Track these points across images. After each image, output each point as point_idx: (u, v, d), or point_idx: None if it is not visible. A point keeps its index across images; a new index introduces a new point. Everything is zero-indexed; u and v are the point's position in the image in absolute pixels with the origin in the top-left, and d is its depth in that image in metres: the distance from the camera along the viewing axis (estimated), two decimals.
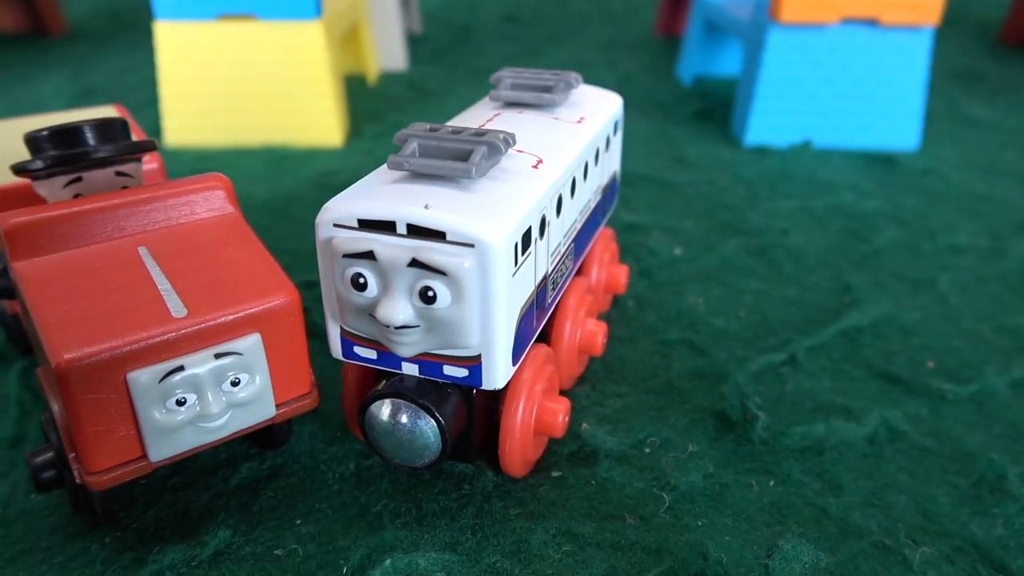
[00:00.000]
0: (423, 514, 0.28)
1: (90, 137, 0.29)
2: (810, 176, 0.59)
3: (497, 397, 0.29)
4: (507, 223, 0.24)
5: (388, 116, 0.74)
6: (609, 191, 0.39)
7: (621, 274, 0.39)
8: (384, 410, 0.26)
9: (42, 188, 0.30)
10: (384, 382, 0.27)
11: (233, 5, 0.63)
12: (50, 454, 0.26)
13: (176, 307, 0.25)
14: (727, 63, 0.88)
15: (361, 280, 0.25)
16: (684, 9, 1.08)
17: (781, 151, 0.64)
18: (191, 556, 0.26)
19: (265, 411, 0.26)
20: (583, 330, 0.33)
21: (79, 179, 0.29)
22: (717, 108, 0.76)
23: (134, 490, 0.29)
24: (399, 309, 0.24)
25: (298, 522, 0.28)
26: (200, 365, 0.24)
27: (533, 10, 1.31)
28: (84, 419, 0.23)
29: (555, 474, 0.30)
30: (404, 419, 0.26)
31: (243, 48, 0.64)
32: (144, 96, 0.80)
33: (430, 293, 0.24)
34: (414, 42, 1.05)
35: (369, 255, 0.24)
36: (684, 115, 0.74)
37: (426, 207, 0.24)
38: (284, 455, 0.31)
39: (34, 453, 0.26)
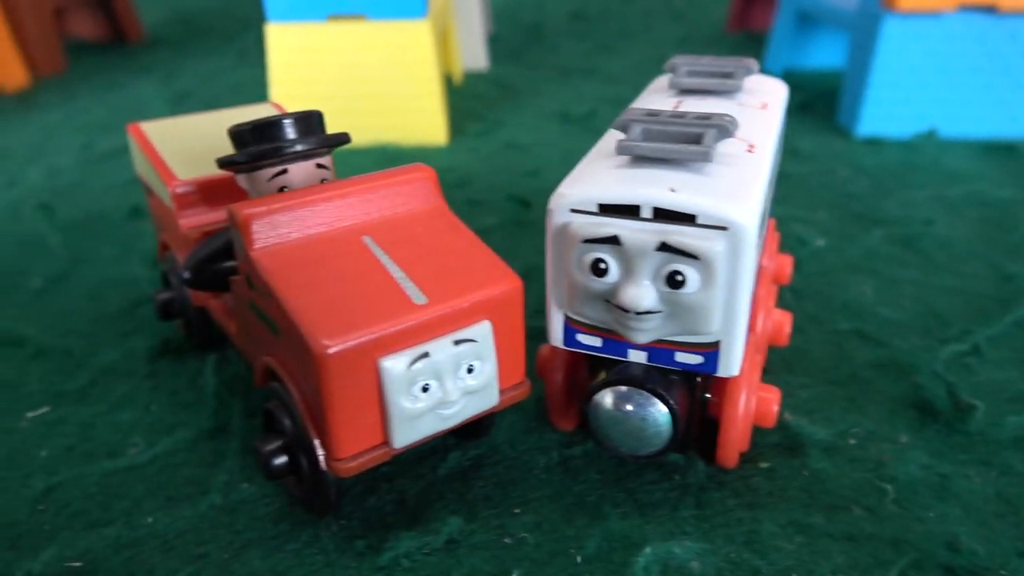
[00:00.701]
0: (641, 504, 0.28)
1: (294, 130, 0.30)
2: (935, 166, 0.58)
3: (707, 386, 0.28)
4: (753, 205, 0.24)
5: (485, 114, 0.74)
6: (777, 180, 0.38)
7: (787, 264, 0.38)
8: (615, 398, 0.26)
9: (245, 181, 0.30)
10: (604, 371, 0.27)
11: (343, 5, 0.63)
12: (281, 441, 0.26)
13: (415, 294, 0.25)
14: (816, 55, 0.87)
15: (602, 265, 0.24)
16: (759, 3, 1.07)
17: (901, 141, 0.63)
18: (424, 544, 0.26)
19: (491, 399, 0.26)
20: (772, 320, 0.33)
21: (284, 171, 0.30)
22: (816, 100, 0.75)
23: (347, 480, 0.29)
24: (644, 294, 0.24)
25: (516, 511, 0.27)
26: (442, 352, 0.24)
27: (600, 8, 1.31)
28: (338, 405, 0.23)
29: (763, 465, 0.29)
30: (636, 407, 0.26)
31: (352, 48, 0.64)
32: (234, 100, 0.81)
33: (678, 277, 0.24)
34: (490, 42, 1.05)
35: (612, 240, 0.24)
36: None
37: (672, 190, 0.24)
38: (484, 446, 0.30)
39: (263, 441, 0.26)
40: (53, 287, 0.44)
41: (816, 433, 0.30)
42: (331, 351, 0.23)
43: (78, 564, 0.26)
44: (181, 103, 0.81)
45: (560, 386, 0.29)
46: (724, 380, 0.28)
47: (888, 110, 0.64)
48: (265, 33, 0.65)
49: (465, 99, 0.80)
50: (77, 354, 0.37)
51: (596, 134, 0.68)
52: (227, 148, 0.36)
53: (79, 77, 0.93)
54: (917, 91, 0.63)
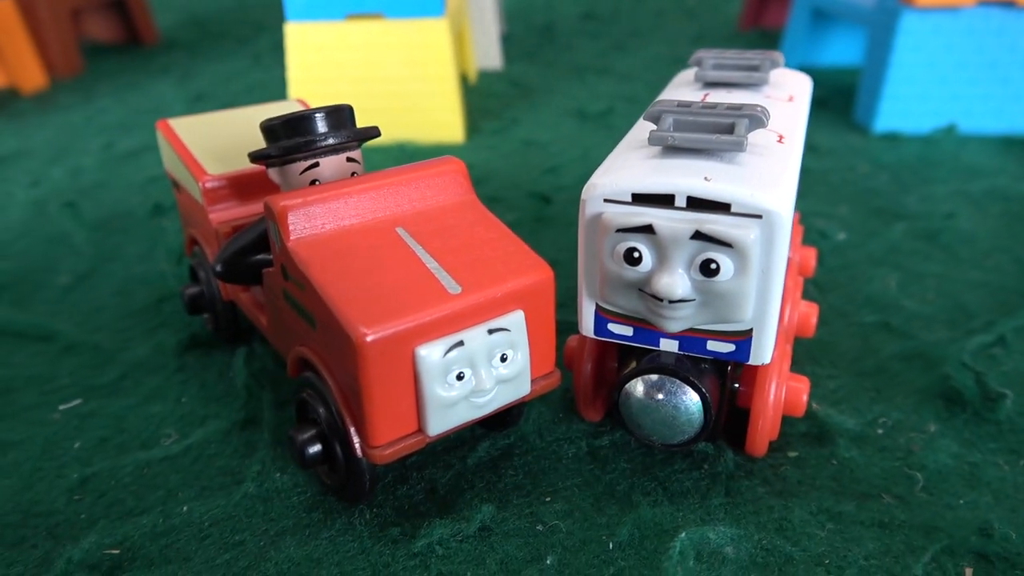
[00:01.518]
0: (671, 493, 0.28)
1: (326, 124, 0.30)
2: (955, 161, 0.58)
3: (736, 376, 0.29)
4: (787, 194, 0.24)
5: (501, 113, 0.74)
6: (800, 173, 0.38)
7: (811, 257, 0.38)
8: (647, 386, 0.26)
9: (277, 174, 0.31)
10: (635, 361, 0.27)
11: (362, 5, 0.64)
12: (315, 430, 0.26)
13: (450, 284, 0.25)
14: (831, 52, 0.86)
15: (635, 254, 0.25)
16: (773, 0, 1.07)
17: (920, 136, 0.62)
18: (457, 531, 0.26)
19: (523, 388, 0.27)
20: (798, 311, 0.33)
21: (316, 164, 0.30)
22: (832, 96, 0.75)
23: (379, 468, 0.29)
24: (678, 282, 0.24)
25: (547, 499, 0.28)
26: (476, 340, 0.25)
27: (610, 7, 1.31)
28: (375, 393, 0.24)
29: (792, 454, 0.29)
30: (668, 395, 0.26)
31: (370, 47, 0.65)
32: (251, 100, 0.82)
33: (712, 266, 0.24)
34: (503, 42, 1.05)
35: (647, 229, 0.24)
36: None
37: (706, 179, 0.24)
38: (513, 436, 0.31)
39: (298, 430, 0.26)
40: (80, 284, 0.44)
41: (844, 423, 0.31)
42: (369, 339, 0.23)
43: (116, 552, 0.26)
44: (198, 104, 0.82)
45: (588, 376, 0.30)
46: (755, 369, 0.28)
47: (906, 106, 0.64)
48: (284, 32, 0.65)
49: (481, 98, 0.80)
50: (107, 349, 0.38)
51: (613, 131, 0.68)
52: (255, 143, 0.36)
53: (96, 78, 0.94)
54: (935, 86, 0.63)
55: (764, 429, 0.28)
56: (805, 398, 0.28)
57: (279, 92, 0.83)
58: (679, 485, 0.28)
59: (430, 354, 0.24)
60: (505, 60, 0.96)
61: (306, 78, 0.66)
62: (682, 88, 0.34)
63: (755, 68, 0.34)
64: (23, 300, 0.43)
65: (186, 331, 0.38)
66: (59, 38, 0.94)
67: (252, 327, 0.38)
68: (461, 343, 0.24)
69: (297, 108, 0.40)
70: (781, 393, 0.28)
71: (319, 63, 0.65)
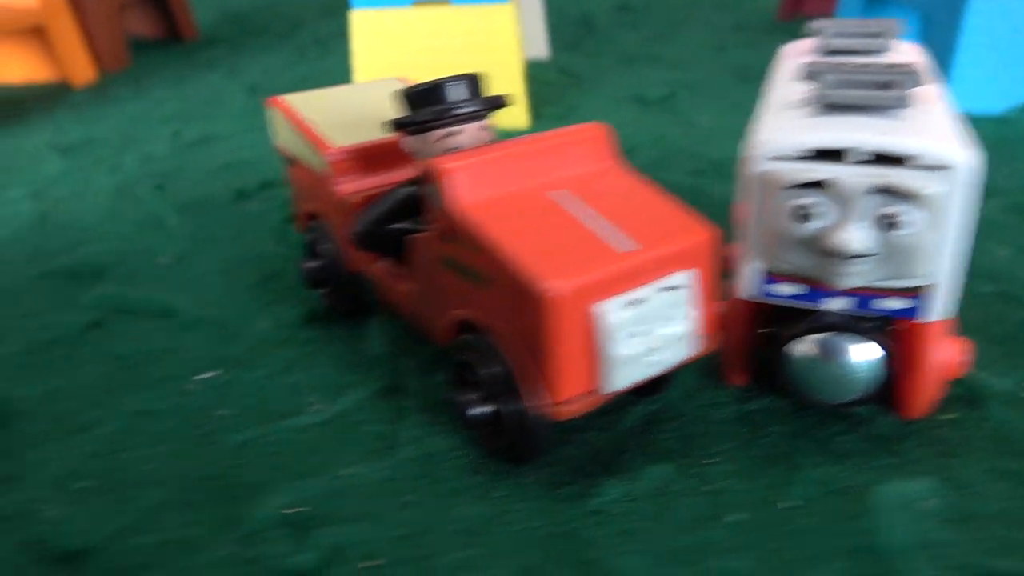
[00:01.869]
0: (834, 454, 0.28)
1: (465, 91, 0.30)
2: None
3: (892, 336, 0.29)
4: (968, 146, 0.24)
5: (559, 99, 0.75)
6: None
7: None
8: (822, 345, 0.26)
9: (414, 142, 0.31)
10: (797, 321, 0.27)
11: None
12: (478, 392, 0.26)
13: (624, 242, 0.25)
14: None
15: (806, 211, 0.25)
16: None
17: (994, 117, 0.62)
18: (630, 490, 0.26)
19: (693, 346, 0.27)
20: None
21: (454, 132, 0.30)
22: None
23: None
24: (858, 237, 0.24)
25: (705, 462, 0.28)
26: (652, 298, 0.25)
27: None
28: (560, 348, 0.24)
29: (947, 416, 0.29)
30: (841, 353, 0.26)
31: (436, 33, 0.65)
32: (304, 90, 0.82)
33: (896, 219, 0.24)
34: None
35: (820, 185, 0.24)
36: None
37: (883, 134, 0.24)
38: (660, 402, 0.31)
39: (460, 393, 0.27)
40: (181, 264, 0.44)
41: (993, 386, 0.30)
42: (555, 294, 0.23)
43: (299, 510, 0.26)
44: (253, 95, 0.82)
45: (740, 340, 0.30)
46: (919, 328, 0.27)
47: (975, 88, 0.64)
48: (349, 19, 0.66)
49: (535, 85, 0.80)
50: (229, 324, 0.38)
51: (679, 116, 0.68)
52: (370, 116, 0.36)
53: (144, 72, 0.95)
54: (1005, 67, 0.63)
55: (928, 390, 0.27)
56: (964, 359, 0.28)
57: (330, 83, 0.83)
58: (840, 447, 0.28)
59: (611, 311, 0.24)
60: (552, 50, 0.96)
61: (371, 65, 0.66)
62: (801, 57, 0.34)
63: (877, 35, 0.34)
64: (129, 280, 0.43)
65: (303, 306, 0.38)
66: (107, 32, 0.95)
67: (372, 301, 0.38)
68: (638, 300, 0.24)
69: (399, 86, 0.40)
70: (947, 353, 0.28)
71: (384, 49, 0.65)
